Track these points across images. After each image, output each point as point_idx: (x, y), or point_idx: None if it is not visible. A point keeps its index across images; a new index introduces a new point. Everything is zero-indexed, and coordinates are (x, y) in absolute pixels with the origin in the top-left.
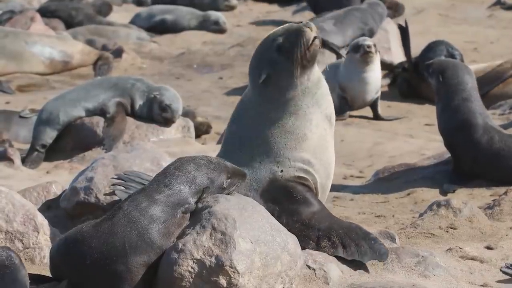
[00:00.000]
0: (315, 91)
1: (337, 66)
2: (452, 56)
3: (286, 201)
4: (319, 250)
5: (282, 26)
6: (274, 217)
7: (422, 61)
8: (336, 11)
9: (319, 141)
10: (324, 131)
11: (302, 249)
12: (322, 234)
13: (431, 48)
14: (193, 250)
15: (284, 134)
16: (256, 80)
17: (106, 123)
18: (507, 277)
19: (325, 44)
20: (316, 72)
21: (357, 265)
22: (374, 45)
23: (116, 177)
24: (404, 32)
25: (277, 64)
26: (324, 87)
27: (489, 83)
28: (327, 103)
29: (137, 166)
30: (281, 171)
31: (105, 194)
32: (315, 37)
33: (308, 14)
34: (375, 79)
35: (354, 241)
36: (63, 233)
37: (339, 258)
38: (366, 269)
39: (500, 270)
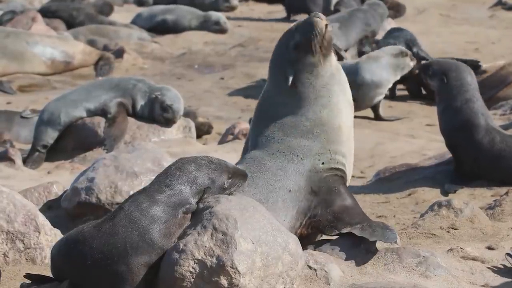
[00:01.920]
0: (339, 76)
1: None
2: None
3: (324, 192)
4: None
5: (291, 25)
6: (310, 209)
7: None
8: (340, 13)
9: (349, 132)
10: (351, 121)
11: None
12: (348, 228)
13: (391, 34)
14: (194, 251)
15: (321, 127)
16: (283, 84)
17: (107, 123)
18: (509, 278)
19: None
20: (334, 58)
21: (358, 264)
22: None
23: None
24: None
25: (299, 62)
26: (343, 72)
27: (493, 87)
28: (348, 88)
29: (138, 166)
30: (322, 163)
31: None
32: (326, 24)
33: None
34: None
35: (371, 227)
36: (64, 234)
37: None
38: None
39: (506, 254)
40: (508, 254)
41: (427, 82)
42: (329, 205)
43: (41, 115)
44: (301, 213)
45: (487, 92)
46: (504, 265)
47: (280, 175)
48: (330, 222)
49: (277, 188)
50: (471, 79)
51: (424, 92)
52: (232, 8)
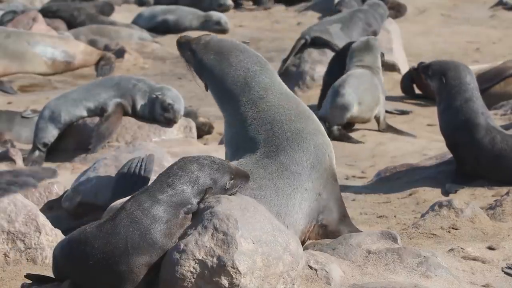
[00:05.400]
0: None
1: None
2: None
3: (333, 195)
4: None
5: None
6: (319, 212)
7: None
8: (341, 13)
9: None
10: None
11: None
12: None
13: None
14: (195, 251)
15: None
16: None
17: (100, 120)
18: (510, 278)
19: (327, 45)
20: None
21: (359, 264)
22: None
23: None
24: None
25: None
26: None
27: (489, 80)
28: None
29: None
30: (328, 155)
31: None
32: None
33: (310, 14)
34: None
35: None
36: (65, 234)
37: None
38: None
39: (502, 271)
40: (507, 267)
41: (427, 82)
42: (332, 210)
43: (42, 113)
44: (312, 216)
45: (482, 84)
46: (506, 273)
47: (298, 172)
48: (333, 232)
49: (296, 188)
50: (470, 78)
51: (418, 91)
52: (226, 9)
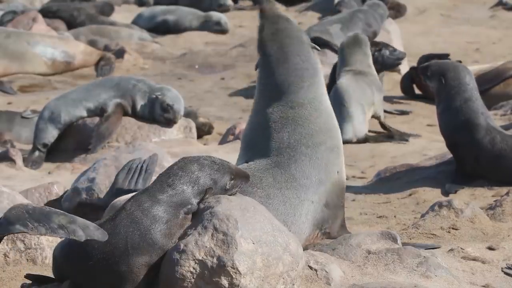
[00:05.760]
0: None
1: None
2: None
3: (334, 206)
4: None
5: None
6: (324, 222)
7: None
8: (341, 13)
9: None
10: None
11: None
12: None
13: None
14: (194, 251)
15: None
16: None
17: (100, 121)
18: (510, 278)
19: (327, 45)
20: None
21: (359, 264)
22: None
23: None
24: None
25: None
26: None
27: (489, 81)
28: None
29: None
30: (338, 172)
31: None
32: None
33: (311, 14)
34: None
35: None
36: None
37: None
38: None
39: (502, 271)
40: (507, 267)
41: (426, 83)
42: (336, 219)
43: (41, 114)
44: (316, 225)
45: (482, 85)
46: (506, 273)
47: (306, 185)
48: (335, 238)
49: (303, 200)
50: (469, 79)
51: (418, 91)
52: (226, 9)
